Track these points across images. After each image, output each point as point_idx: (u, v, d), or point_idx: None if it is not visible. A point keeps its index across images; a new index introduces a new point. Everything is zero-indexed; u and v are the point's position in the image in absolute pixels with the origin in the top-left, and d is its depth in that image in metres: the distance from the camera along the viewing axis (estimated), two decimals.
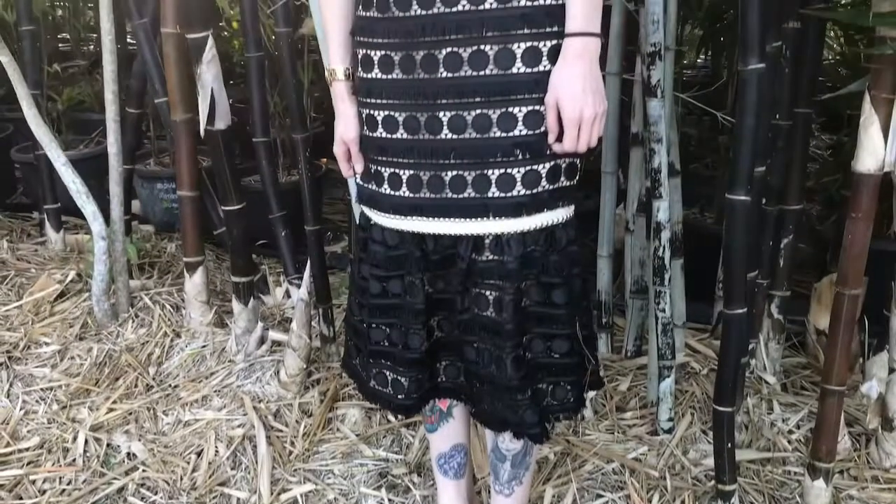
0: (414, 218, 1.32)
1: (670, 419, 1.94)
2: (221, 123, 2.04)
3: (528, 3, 1.21)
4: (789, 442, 1.91)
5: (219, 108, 2.02)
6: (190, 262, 2.33)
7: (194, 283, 2.34)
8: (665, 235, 1.86)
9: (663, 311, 1.90)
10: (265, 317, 2.45)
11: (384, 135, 1.32)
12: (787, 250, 2.07)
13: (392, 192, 1.33)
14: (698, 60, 4.25)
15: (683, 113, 4.16)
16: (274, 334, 2.27)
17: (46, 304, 2.58)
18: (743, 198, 1.55)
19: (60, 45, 4.70)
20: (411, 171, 1.31)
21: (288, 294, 2.50)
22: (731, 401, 1.66)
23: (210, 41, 1.96)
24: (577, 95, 1.20)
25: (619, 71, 2.06)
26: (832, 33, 2.99)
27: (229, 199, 2.14)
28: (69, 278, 2.70)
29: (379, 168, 1.35)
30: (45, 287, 2.64)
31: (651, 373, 2.02)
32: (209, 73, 1.99)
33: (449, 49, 1.23)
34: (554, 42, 1.23)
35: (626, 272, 2.25)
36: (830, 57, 2.92)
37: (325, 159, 3.40)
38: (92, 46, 4.62)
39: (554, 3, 1.22)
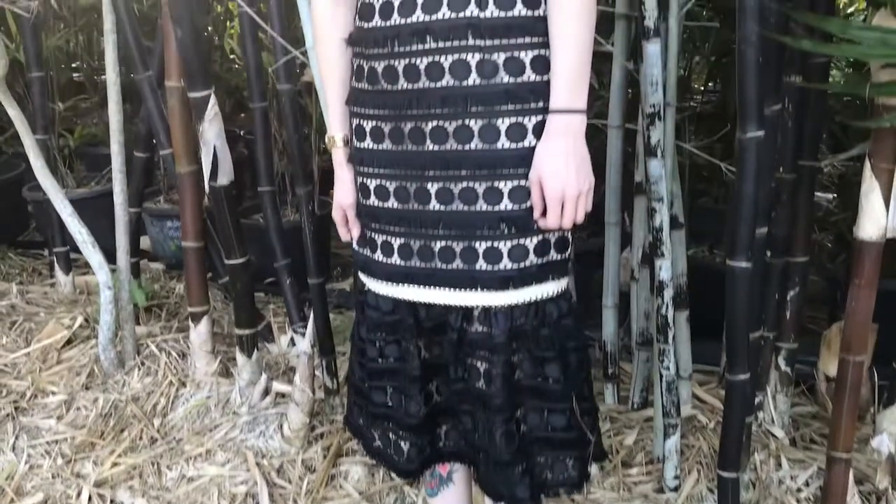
0: (405, 286, 1.33)
1: (676, 477, 1.92)
2: (224, 179, 2.05)
3: (512, 80, 1.22)
4: (798, 501, 1.88)
5: (221, 164, 2.03)
6: (195, 311, 2.33)
7: (199, 333, 2.35)
8: (668, 294, 1.84)
9: (668, 368, 1.88)
10: (270, 365, 2.45)
11: (376, 203, 1.34)
12: (793, 303, 2.05)
13: (384, 260, 1.35)
14: (708, 84, 4.24)
15: (693, 141, 4.14)
16: (278, 385, 2.27)
17: (54, 350, 2.59)
18: (744, 265, 1.53)
19: (74, 74, 4.76)
20: (402, 240, 1.32)
21: (293, 342, 2.50)
22: (737, 466, 1.64)
23: (212, 99, 1.97)
24: (559, 173, 1.19)
25: (620, 124, 2.05)
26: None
27: (233, 252, 2.14)
28: (77, 323, 2.71)
29: (372, 235, 1.37)
30: (53, 333, 2.65)
31: (657, 429, 2.00)
32: (212, 131, 2.00)
33: (435, 123, 1.24)
34: (539, 118, 1.23)
35: (633, 319, 2.23)
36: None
37: (332, 191, 3.41)
38: (105, 77, 4.68)
39: (538, 79, 1.22)
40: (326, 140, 1.42)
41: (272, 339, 2.56)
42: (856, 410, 1.61)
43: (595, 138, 2.34)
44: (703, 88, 4.31)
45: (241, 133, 4.02)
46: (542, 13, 1.22)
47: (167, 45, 2.09)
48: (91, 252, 2.39)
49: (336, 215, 1.44)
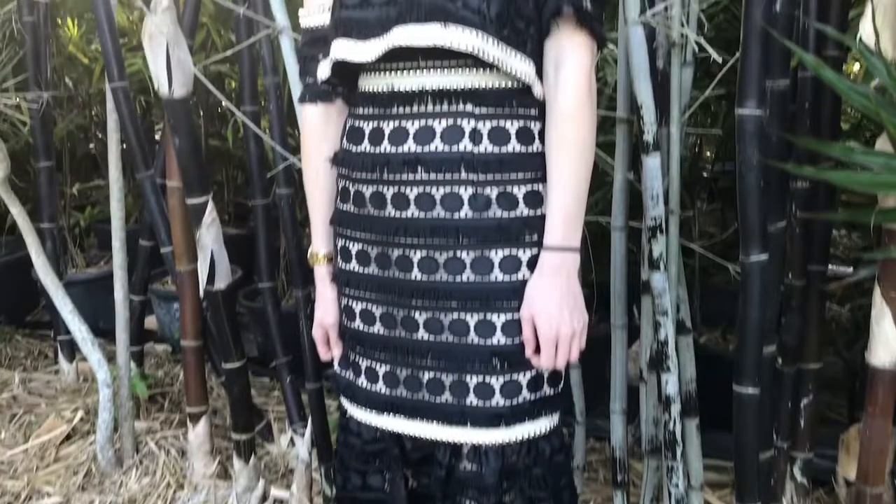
0: (390, 416, 1.29)
1: None
2: (221, 283, 2.02)
3: (505, 214, 1.18)
4: None
5: (218, 268, 2.00)
6: (193, 412, 2.29)
7: (197, 434, 2.30)
8: (675, 409, 1.77)
9: (676, 485, 1.80)
10: (269, 466, 2.39)
11: (361, 327, 1.30)
12: (807, 410, 1.97)
13: (368, 386, 1.30)
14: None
15: (705, 209, 4.07)
16: (276, 491, 2.21)
17: (52, 447, 2.55)
18: (751, 391, 1.47)
19: (90, 145, 4.80)
20: (388, 367, 1.28)
21: (292, 442, 2.44)
22: None
23: (210, 205, 1.96)
24: (553, 314, 1.15)
25: (623, 224, 2.00)
26: None
27: (230, 357, 2.10)
28: (78, 416, 2.67)
29: (356, 358, 1.32)
30: (52, 428, 2.61)
31: None
32: (209, 236, 1.98)
33: (424, 253, 1.21)
34: (534, 251, 1.19)
35: (642, 422, 2.15)
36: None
37: None
38: None
39: (532, 213, 1.19)
40: (309, 255, 1.39)
41: (272, 440, 2.51)
42: None
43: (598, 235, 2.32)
44: (712, 163, 4.27)
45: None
46: (535, 149, 1.20)
47: (169, 145, 2.08)
48: (90, 350, 2.36)
49: (316, 334, 1.40)
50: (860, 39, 1.32)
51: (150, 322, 3.53)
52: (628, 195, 1.97)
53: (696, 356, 1.98)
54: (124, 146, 2.36)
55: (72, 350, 3.02)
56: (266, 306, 2.37)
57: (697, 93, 2.26)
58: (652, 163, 1.63)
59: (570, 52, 1.15)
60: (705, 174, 4.24)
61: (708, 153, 4.27)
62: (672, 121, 1.76)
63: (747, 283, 1.43)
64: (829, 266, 1.92)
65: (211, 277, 2.01)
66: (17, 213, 2.36)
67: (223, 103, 4.02)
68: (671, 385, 1.76)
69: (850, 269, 3.65)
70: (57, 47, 3.64)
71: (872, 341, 1.43)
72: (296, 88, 1.82)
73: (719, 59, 1.32)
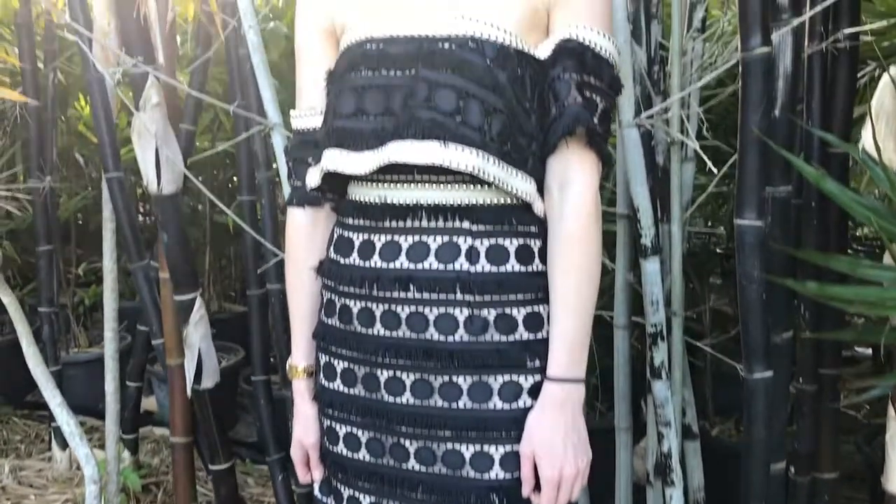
0: None
1: None
2: (209, 382, 1.96)
3: (504, 338, 1.10)
4: None
5: (206, 367, 1.95)
6: None
7: None
8: None
9: None
10: None
11: (345, 452, 1.20)
12: None
13: None
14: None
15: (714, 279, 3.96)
16: None
17: None
18: None
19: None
20: (373, 498, 1.18)
21: None
22: None
23: (199, 302, 1.91)
24: (556, 452, 1.07)
25: (626, 323, 1.93)
26: None
27: (216, 458, 2.03)
28: None
29: (338, 485, 1.23)
30: None
31: None
32: (196, 334, 1.92)
33: (418, 375, 1.12)
34: (536, 378, 1.11)
35: None
36: None
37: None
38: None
39: (532, 337, 1.11)
40: (287, 367, 1.31)
41: None
42: None
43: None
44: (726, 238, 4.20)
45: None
46: (535, 268, 1.12)
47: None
48: (78, 444, 2.28)
49: (295, 454, 1.29)
50: (862, 148, 1.26)
51: (150, 403, 3.47)
52: (631, 293, 1.90)
53: (708, 450, 1.89)
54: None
55: (65, 437, 2.95)
56: (259, 400, 2.29)
57: (704, 179, 2.21)
58: (651, 267, 1.56)
59: (578, 171, 1.09)
60: (718, 249, 4.17)
61: (722, 228, 4.21)
62: (673, 219, 1.70)
63: (751, 400, 1.35)
64: (850, 350, 1.83)
65: (198, 377, 1.95)
66: (9, 302, 2.31)
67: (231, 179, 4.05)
68: (675, 500, 1.66)
69: (870, 351, 3.54)
70: (68, 125, 3.67)
71: (888, 467, 1.34)
72: (286, 183, 1.79)
73: (715, 170, 1.26)
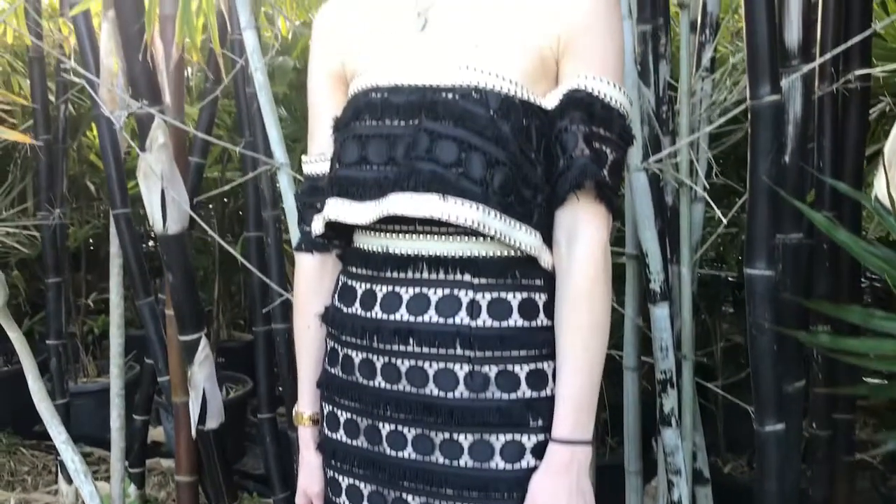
0: None
1: None
2: (213, 423, 1.95)
3: (504, 396, 1.07)
4: None
5: (210, 407, 1.93)
6: None
7: None
8: None
9: None
10: None
11: None
12: None
13: None
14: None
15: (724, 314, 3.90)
16: None
17: None
18: None
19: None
20: None
21: None
22: None
23: (203, 342, 1.90)
24: None
25: (636, 365, 1.90)
26: None
27: (221, 499, 2.01)
28: None
29: None
30: None
31: None
32: (201, 374, 1.91)
33: (419, 431, 1.10)
34: (540, 438, 1.07)
35: None
36: None
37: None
38: None
39: (535, 395, 1.08)
40: (293, 414, 1.29)
41: None
42: None
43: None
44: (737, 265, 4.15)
45: None
46: (540, 323, 1.10)
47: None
48: (83, 482, 2.27)
49: (300, 503, 1.28)
50: (875, 197, 1.23)
51: (158, 433, 3.45)
52: (640, 335, 1.87)
53: (719, 488, 1.84)
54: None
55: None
56: (265, 437, 2.28)
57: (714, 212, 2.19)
58: (660, 313, 1.54)
59: (587, 225, 1.06)
60: (730, 278, 4.13)
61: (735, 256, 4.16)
62: (682, 261, 1.67)
63: (763, 453, 1.31)
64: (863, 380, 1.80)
65: (202, 417, 1.93)
66: (16, 338, 2.30)
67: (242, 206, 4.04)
68: None
69: (886, 382, 3.48)
70: (79, 154, 3.68)
71: None
72: (292, 223, 1.78)
73: (724, 220, 1.24)
